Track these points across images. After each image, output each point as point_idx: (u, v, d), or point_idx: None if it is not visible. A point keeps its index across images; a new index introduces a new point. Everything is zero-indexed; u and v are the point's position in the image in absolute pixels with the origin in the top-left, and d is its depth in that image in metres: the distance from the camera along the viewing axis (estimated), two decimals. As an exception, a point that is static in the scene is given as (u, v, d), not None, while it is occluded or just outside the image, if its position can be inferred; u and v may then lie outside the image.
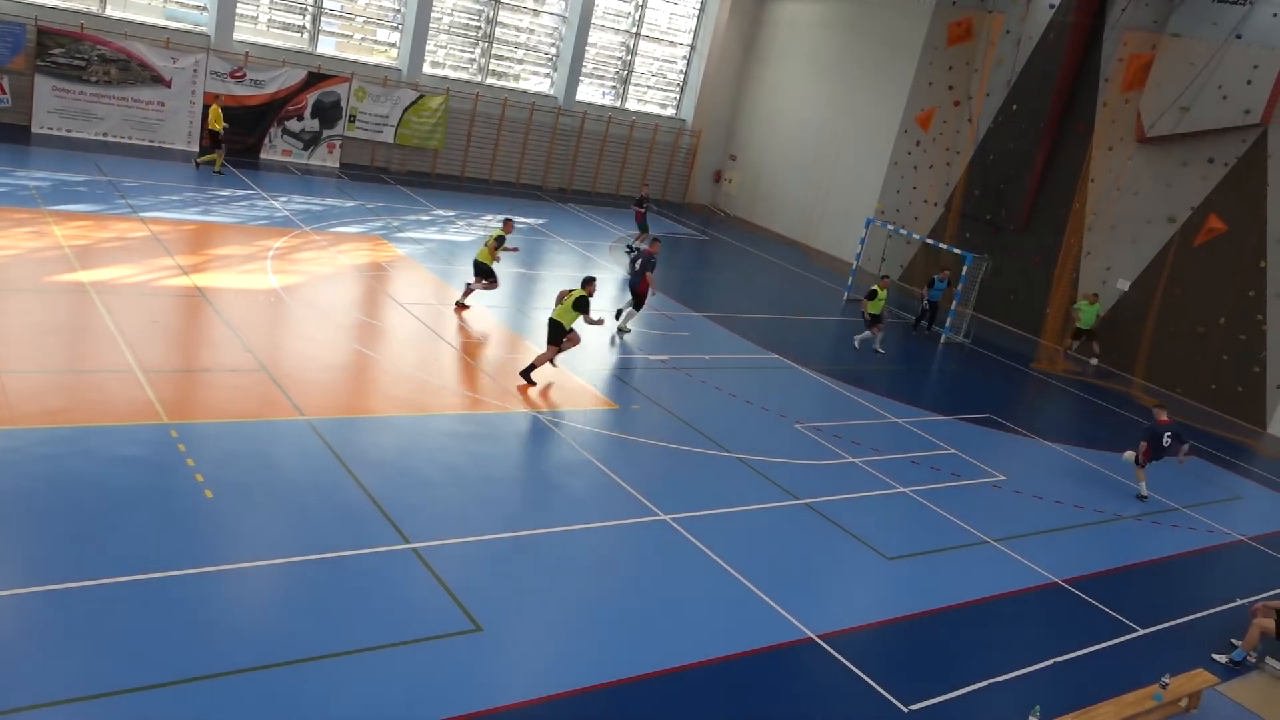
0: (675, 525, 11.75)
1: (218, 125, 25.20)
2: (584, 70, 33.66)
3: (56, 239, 17.25)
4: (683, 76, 36.30)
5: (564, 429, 13.88)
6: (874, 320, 21.49)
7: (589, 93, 34.46)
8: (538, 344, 17.39)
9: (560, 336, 15.31)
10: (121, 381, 12.41)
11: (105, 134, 25.75)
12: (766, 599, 10.55)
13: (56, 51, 24.70)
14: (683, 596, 10.33)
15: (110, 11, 25.97)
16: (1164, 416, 15.85)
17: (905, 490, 14.23)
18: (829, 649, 9.92)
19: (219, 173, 25.13)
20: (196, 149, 26.89)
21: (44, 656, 7.59)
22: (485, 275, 18.20)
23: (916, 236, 27.05)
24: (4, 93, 24.42)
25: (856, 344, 21.46)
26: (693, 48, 35.89)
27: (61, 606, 8.16)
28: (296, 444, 11.84)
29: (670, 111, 36.53)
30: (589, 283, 15.74)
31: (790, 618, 10.30)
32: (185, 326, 15.04)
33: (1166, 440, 15.57)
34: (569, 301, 15.33)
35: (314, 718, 7.53)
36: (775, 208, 35.04)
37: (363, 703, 7.79)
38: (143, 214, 20.00)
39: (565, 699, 8.42)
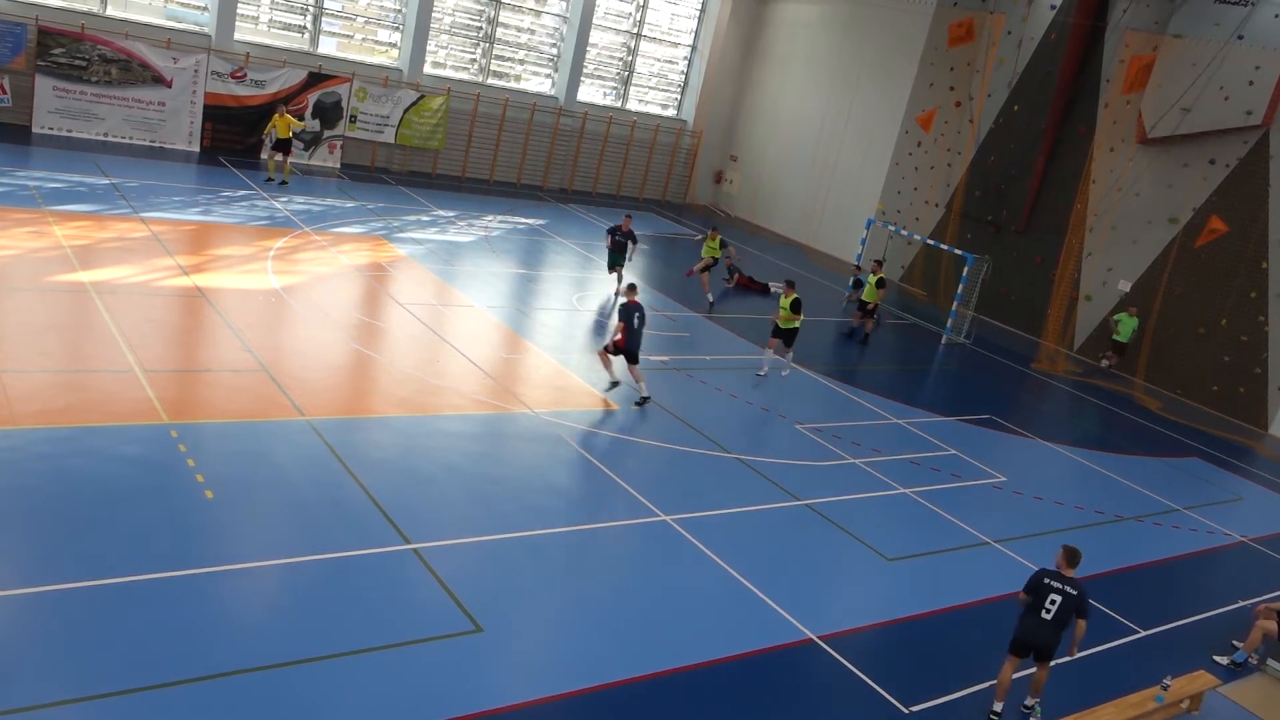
0: (675, 526, 11.74)
1: (287, 134, 25.33)
2: (585, 71, 33.66)
3: (57, 239, 17.24)
4: (683, 77, 36.29)
5: (564, 429, 13.86)
6: (864, 309, 21.71)
7: (590, 93, 34.46)
8: (538, 344, 17.39)
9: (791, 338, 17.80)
10: (122, 381, 12.40)
11: (106, 134, 25.74)
12: (767, 600, 10.54)
13: (57, 51, 24.69)
14: (683, 597, 10.32)
15: (111, 11, 25.95)
16: None
17: (906, 491, 14.22)
18: (829, 650, 9.91)
19: (285, 183, 25.22)
20: (197, 149, 26.89)
21: (44, 657, 7.58)
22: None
23: (917, 237, 27.05)
24: (5, 92, 24.41)
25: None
26: (694, 48, 35.89)
27: (62, 607, 8.15)
28: (297, 444, 11.83)
29: (671, 112, 36.52)
30: (791, 286, 18.20)
31: (790, 619, 10.29)
32: (186, 326, 15.03)
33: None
34: (787, 304, 17.64)
35: (310, 717, 7.51)
36: (776, 208, 35.03)
37: (363, 703, 7.78)
38: (143, 214, 19.99)
39: (566, 700, 8.41)
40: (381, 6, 30.35)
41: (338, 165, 29.35)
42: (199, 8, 27.61)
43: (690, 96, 36.16)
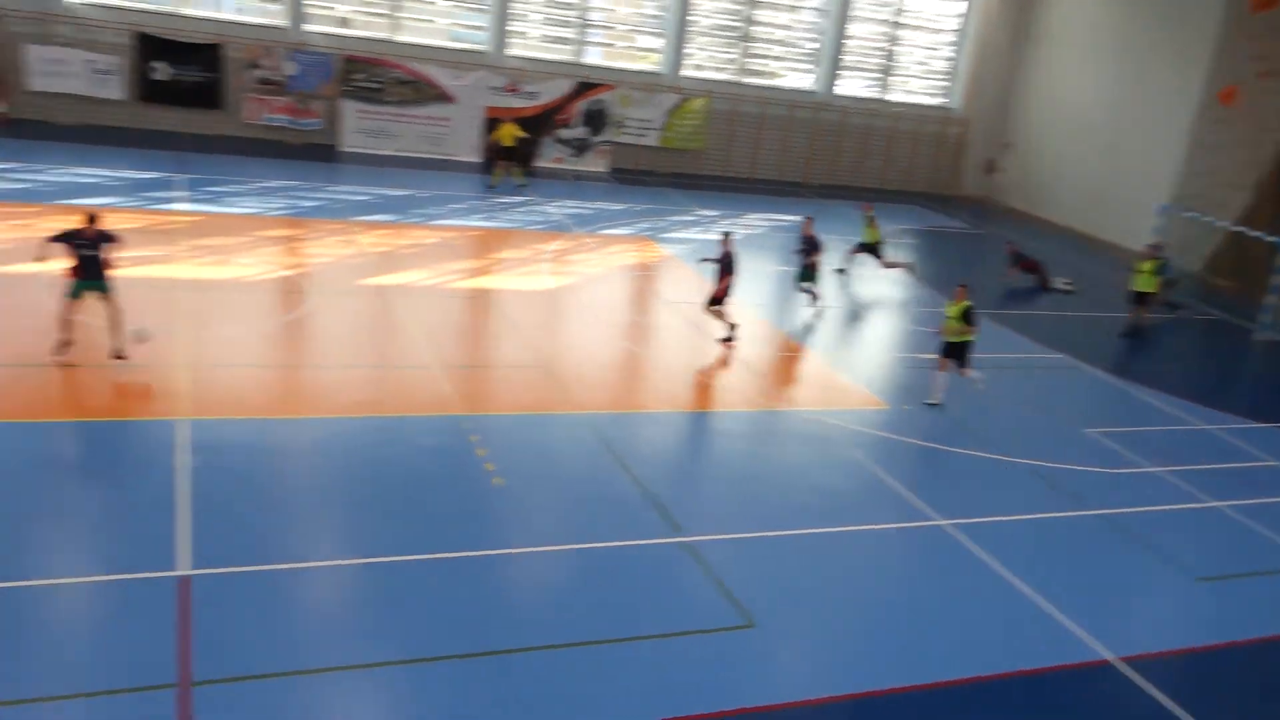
0: (952, 531, 11.27)
1: (511, 142, 25.85)
2: (844, 63, 33.05)
3: (362, 246, 18.95)
4: (949, 64, 34.85)
5: (832, 428, 13.66)
6: (1140, 299, 19.81)
7: (850, 86, 33.80)
8: (805, 342, 17.24)
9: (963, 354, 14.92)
10: (420, 376, 13.43)
11: (401, 149, 28.01)
12: (1055, 614, 9.90)
13: (359, 77, 27.14)
14: (959, 605, 9.89)
15: (403, 37, 28.22)
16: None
17: (1217, 505, 12.92)
18: (1130, 673, 9.17)
19: (523, 185, 25.97)
20: (479, 160, 28.70)
21: (358, 622, 8.33)
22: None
23: (1221, 223, 24.53)
24: (316, 116, 27.12)
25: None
26: (960, 33, 34.38)
27: (374, 578, 8.94)
28: (574, 436, 12.36)
29: (936, 101, 35.17)
30: (964, 290, 14.86)
31: (1083, 636, 9.61)
32: (473, 325, 16.08)
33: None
34: (955, 313, 14.74)
35: (585, 699, 7.80)
36: (1055, 196, 32.91)
37: (633, 688, 8.00)
38: (434, 222, 21.59)
39: (836, 703, 8.28)
40: (642, 13, 31.17)
41: (606, 170, 30.43)
42: (477, 28, 29.48)
43: (956, 83, 34.69)
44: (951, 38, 34.57)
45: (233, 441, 10.92)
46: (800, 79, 33.30)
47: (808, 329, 18.09)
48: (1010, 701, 8.61)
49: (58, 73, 24.58)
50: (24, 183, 20.09)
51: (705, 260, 16.88)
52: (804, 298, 18.76)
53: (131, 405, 11.52)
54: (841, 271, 21.79)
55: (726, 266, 15.77)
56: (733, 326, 15.97)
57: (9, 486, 9.50)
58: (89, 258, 11.87)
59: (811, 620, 9.35)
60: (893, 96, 34.45)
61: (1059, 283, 23.65)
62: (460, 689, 7.68)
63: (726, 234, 16.22)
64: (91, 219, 12.07)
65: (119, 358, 12.10)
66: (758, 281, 20.58)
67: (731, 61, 32.29)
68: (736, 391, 14.63)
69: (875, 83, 34.35)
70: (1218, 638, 10.04)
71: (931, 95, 35.23)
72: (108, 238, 12.16)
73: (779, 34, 32.75)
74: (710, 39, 31.92)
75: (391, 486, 10.51)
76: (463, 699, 7.59)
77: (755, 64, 32.58)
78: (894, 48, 33.93)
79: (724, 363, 15.62)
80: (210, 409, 11.55)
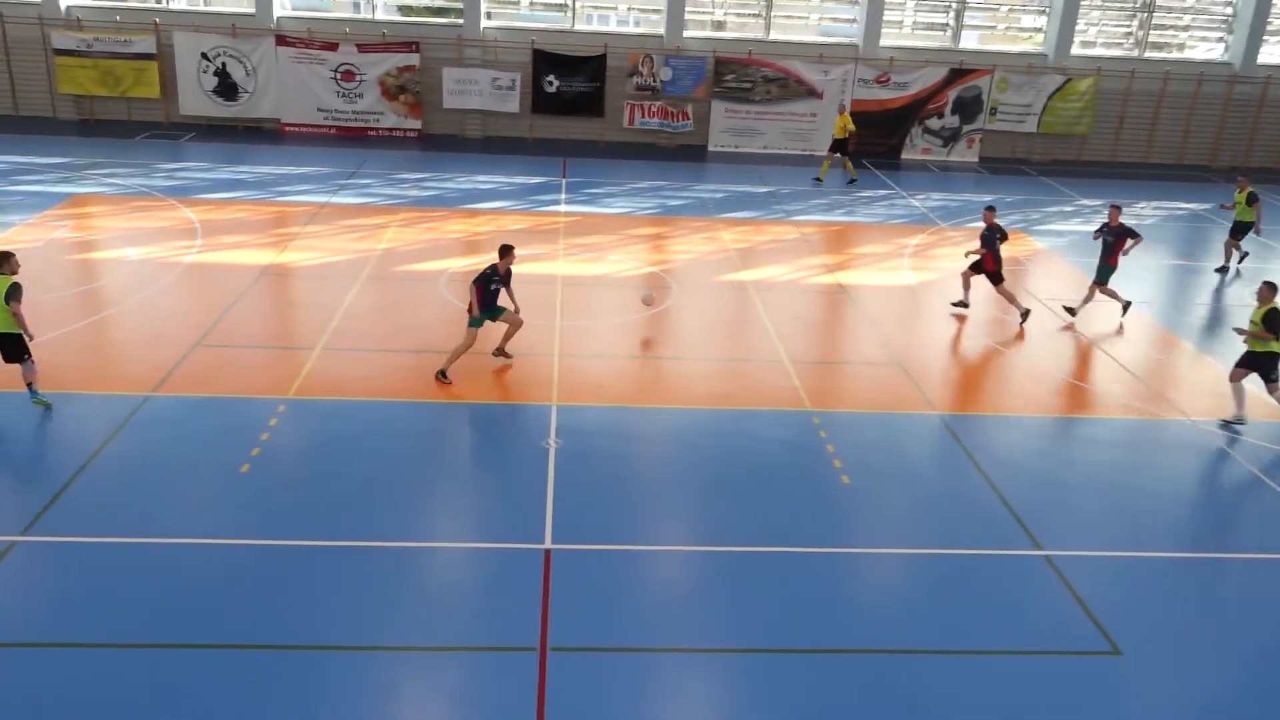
0: (1379, 568, 9.62)
1: (843, 134, 25.28)
2: (1269, 28, 29.00)
3: (724, 243, 19.59)
4: None
5: (1232, 443, 12.14)
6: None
7: (1274, 54, 29.62)
8: (1197, 345, 15.48)
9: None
10: (773, 370, 13.68)
11: (765, 146, 28.55)
12: None
13: (729, 78, 28.01)
14: (1387, 657, 8.42)
15: (773, 35, 28.71)
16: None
17: None
18: None
19: (853, 180, 25.81)
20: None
21: (699, 607, 8.67)
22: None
23: None
24: (688, 118, 28.36)
25: None
26: None
27: (718, 566, 9.26)
28: (927, 437, 11.99)
29: (1389, 64, 29.92)
30: (1271, 289, 12.33)
31: None
32: (827, 320, 16.09)
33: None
34: (1258, 317, 12.27)
35: (923, 710, 7.56)
36: None
37: (984, 705, 7.63)
38: (794, 218, 21.82)
39: (1219, 749, 7.39)
40: (1027, -9, 29.34)
41: (976, 159, 29.06)
42: (849, 20, 29.28)
43: None
44: None
45: (594, 427, 11.77)
46: (1211, 50, 29.72)
47: (1201, 331, 16.18)
48: None
49: (466, 91, 27.71)
50: (434, 190, 22.88)
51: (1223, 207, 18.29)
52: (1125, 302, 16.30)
53: (513, 391, 12.79)
54: (1223, 270, 19.35)
55: (988, 240, 15.73)
56: (1019, 305, 15.93)
57: (408, 459, 10.93)
58: (494, 293, 12.71)
59: (1184, 655, 8.40)
60: (1329, 62, 29.79)
61: None
62: (793, 684, 7.77)
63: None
64: (503, 254, 12.74)
65: (503, 355, 13.37)
66: (1148, 276, 18.73)
67: (1128, 35, 29.51)
68: (1114, 396, 13.44)
69: (1307, 47, 29.88)
70: None
71: (1382, 57, 30.03)
72: (508, 276, 12.82)
73: (1188, 2, 29.43)
74: (1104, 13, 29.36)
75: (740, 478, 10.81)
76: (795, 694, 7.67)
77: (1156, 37, 29.52)
78: (1333, 5, 29.28)
79: (1085, 357, 14.39)
80: (576, 396, 12.53)
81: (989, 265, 15.85)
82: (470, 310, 12.69)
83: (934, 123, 28.83)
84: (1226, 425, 12.61)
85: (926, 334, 15.73)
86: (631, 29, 29.22)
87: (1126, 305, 16.16)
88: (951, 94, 28.50)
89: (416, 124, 27.96)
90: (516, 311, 13.01)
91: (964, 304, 16.27)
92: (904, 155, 29.02)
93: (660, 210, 22.05)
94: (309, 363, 13.02)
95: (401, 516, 9.69)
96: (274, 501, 9.84)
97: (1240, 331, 12.51)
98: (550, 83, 27.89)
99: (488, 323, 12.82)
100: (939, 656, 8.17)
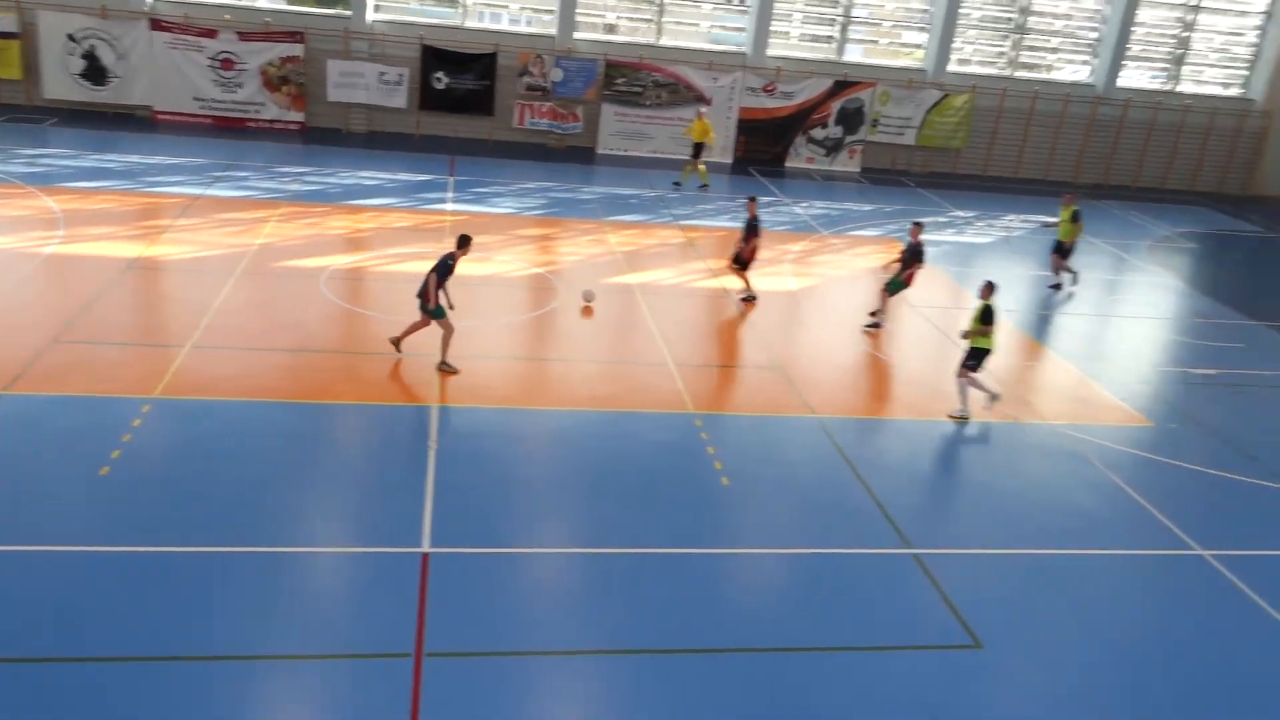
0: (1214, 562, 10.28)
1: (701, 138, 25.15)
2: (1129, 53, 30.69)
3: (611, 245, 19.67)
4: (1253, 50, 31.56)
5: (1085, 445, 12.79)
6: None
7: (1133, 78, 31.35)
8: (1060, 352, 16.26)
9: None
10: (657, 373, 13.80)
11: (655, 151, 28.75)
12: (1336, 666, 8.82)
13: (620, 81, 28.12)
14: (1214, 646, 9.01)
15: (664, 41, 28.96)
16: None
17: None
18: None
19: (705, 185, 25.40)
20: (730, 160, 29.01)
21: (580, 609, 8.70)
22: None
23: None
24: (578, 120, 28.37)
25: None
26: (1269, 15, 31.04)
27: (599, 567, 9.30)
28: (806, 440, 12.27)
29: (1234, 91, 31.96)
30: (990, 289, 13.20)
31: (1369, 693, 8.50)
32: (711, 325, 16.30)
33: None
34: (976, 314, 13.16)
35: (797, 705, 7.75)
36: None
37: (851, 700, 7.86)
38: (681, 222, 22.05)
39: (1070, 737, 7.78)
40: (908, 9, 30.31)
41: (858, 169, 29.88)
42: (738, 29, 29.74)
43: (1261, 72, 31.37)
44: (1257, 21, 31.28)
45: (476, 429, 11.68)
46: (1077, 72, 31.25)
47: (1063, 338, 17.00)
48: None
49: (352, 84, 27.12)
50: (316, 185, 22.33)
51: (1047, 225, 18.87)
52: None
53: (394, 392, 12.57)
54: (1056, 287, 19.56)
55: (752, 229, 16.51)
56: (751, 294, 16.77)
57: (282, 461, 10.64)
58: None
59: (1045, 648, 8.82)
60: (1183, 88, 31.64)
61: None
62: (671, 683, 7.86)
63: (751, 198, 17.29)
64: (464, 245, 12.93)
65: (397, 348, 13.20)
66: (1013, 287, 19.55)
67: (1002, 55, 30.79)
68: (981, 401, 13.98)
69: (1163, 73, 31.68)
70: None
71: (1229, 86, 32.06)
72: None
73: (1057, 24, 30.87)
74: (980, 32, 30.56)
75: (622, 480, 10.87)
76: (675, 694, 7.76)
77: (1028, 57, 30.89)
78: (1189, 34, 31.13)
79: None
80: (459, 397, 12.41)
81: (909, 281, 16.11)
82: (427, 299, 12.66)
83: (818, 132, 29.53)
84: (954, 417, 13.22)
85: (807, 339, 16.10)
86: (523, 28, 29.08)
87: (875, 321, 16.23)
88: (835, 105, 29.24)
89: (299, 116, 27.23)
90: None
91: (878, 323, 16.21)
92: (788, 163, 29.64)
93: (548, 211, 21.99)
94: (177, 360, 12.54)
95: (273, 521, 9.43)
96: (136, 506, 9.45)
97: (966, 335, 13.17)
98: (439, 79, 27.53)
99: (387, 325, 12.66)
100: (814, 653, 8.38)
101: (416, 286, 12.91)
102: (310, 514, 9.75)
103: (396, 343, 13.23)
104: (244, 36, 26.27)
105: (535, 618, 8.48)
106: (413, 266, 17.00)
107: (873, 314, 16.33)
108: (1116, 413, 14.02)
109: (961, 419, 13.15)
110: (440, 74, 27.48)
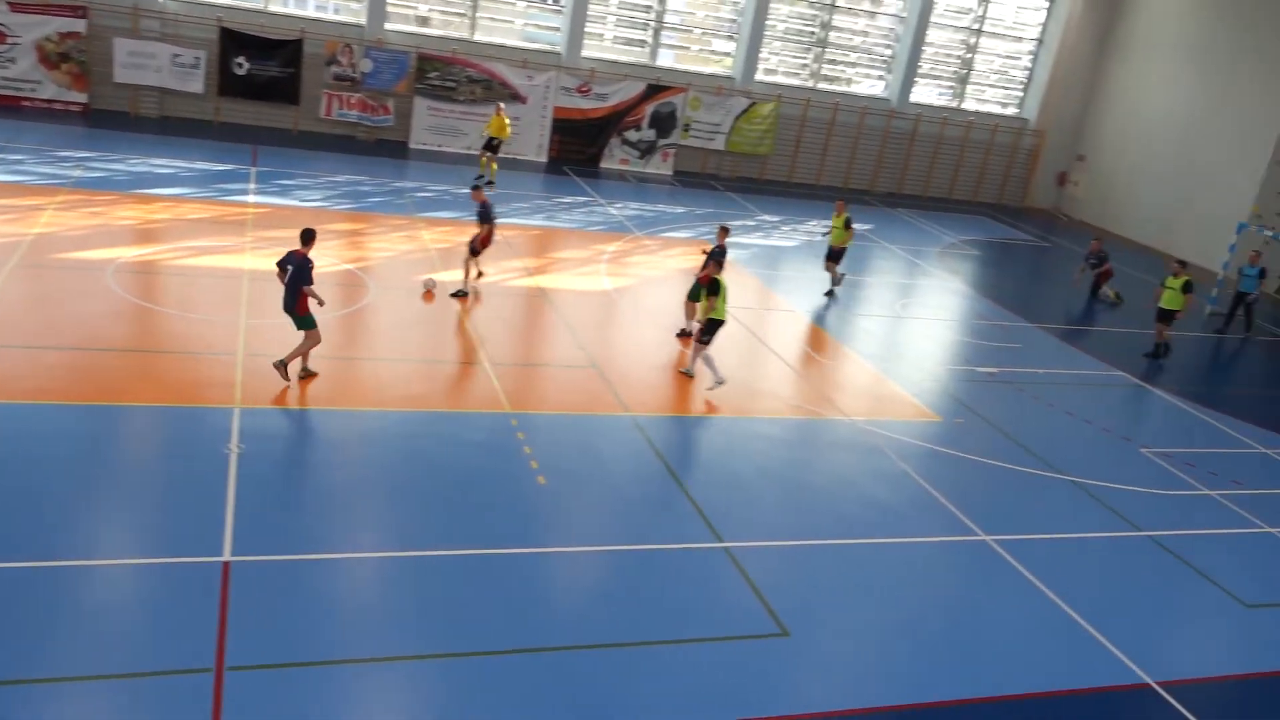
0: (996, 547, 11.12)
1: (496, 133, 25.04)
2: (920, 71, 32.69)
3: (424, 242, 19.30)
4: (1027, 73, 34.26)
5: (882, 439, 13.56)
6: (1163, 317, 18.85)
7: (924, 94, 33.42)
8: (859, 351, 17.13)
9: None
10: (471, 372, 13.65)
11: (469, 147, 28.41)
12: (1097, 635, 9.72)
13: (432, 75, 27.61)
14: (1001, 623, 9.76)
15: (478, 37, 28.64)
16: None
17: (1272, 530, 12.55)
18: (1170, 699, 8.96)
19: (491, 182, 25.15)
20: (545, 160, 29.01)
21: (394, 615, 8.51)
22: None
23: (1302, 244, 23.74)
24: (389, 113, 27.66)
25: None
26: (1040, 42, 33.78)
27: (413, 571, 9.12)
28: (621, 438, 12.44)
29: (1011, 111, 34.61)
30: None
31: (1125, 659, 9.42)
32: (528, 324, 16.27)
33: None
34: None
35: (614, 702, 7.87)
36: (1128, 212, 32.16)
37: (667, 691, 8.04)
38: (496, 220, 21.81)
39: (868, 715, 8.23)
40: (718, 17, 31.19)
41: (670, 172, 30.51)
42: (552, 28, 29.77)
43: (1034, 94, 34.09)
44: (1031, 46, 33.97)
45: (281, 431, 11.22)
46: (873, 86, 33.01)
47: (861, 338, 17.94)
48: (1043, 724, 8.48)
49: (142, 65, 25.44)
50: (101, 171, 20.84)
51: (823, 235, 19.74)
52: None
53: (190, 391, 11.89)
54: (831, 295, 20.02)
55: (485, 216, 16.65)
56: (468, 283, 16.72)
57: (65, 468, 9.89)
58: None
59: (846, 632, 9.30)
60: (968, 105, 33.98)
61: (1109, 292, 23.13)
62: (491, 686, 7.80)
63: (476, 186, 17.26)
64: (310, 240, 12.13)
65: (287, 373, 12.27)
66: (817, 289, 20.47)
67: (805, 67, 32.14)
68: (785, 399, 14.58)
69: (950, 91, 33.92)
70: (1266, 666, 9.75)
71: (1007, 105, 34.67)
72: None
73: (855, 40, 32.51)
74: (785, 44, 31.79)
75: (436, 481, 10.70)
76: (493, 695, 7.71)
77: (829, 70, 32.38)
78: (972, 55, 33.45)
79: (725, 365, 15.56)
80: (262, 398, 11.88)
81: (704, 281, 15.78)
82: (302, 311, 11.98)
83: (632, 135, 29.96)
84: (712, 389, 14.17)
85: (622, 338, 16.32)
86: (330, 16, 28.09)
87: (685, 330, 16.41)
88: (649, 108, 29.75)
89: (81, 97, 25.31)
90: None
91: (688, 331, 16.15)
92: (603, 164, 29.94)
93: (358, 206, 21.34)
94: (-59, 360, 11.44)
95: (54, 532, 8.75)
96: (-108, 519, 8.56)
97: (693, 333, 14.39)
98: (240, 64, 26.21)
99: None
100: (629, 649, 8.51)
101: (218, 283, 12.25)
102: (98, 524, 9.10)
103: (283, 367, 12.15)
104: (16, 8, 24.19)
105: (346, 625, 8.23)
106: (213, 261, 16.15)
107: (683, 332, 16.26)
108: (909, 408, 14.92)
109: (718, 384, 14.05)
110: (241, 59, 26.18)
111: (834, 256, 20.11)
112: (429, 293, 16.11)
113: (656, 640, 8.66)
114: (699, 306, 14.62)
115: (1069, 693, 8.86)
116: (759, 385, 14.96)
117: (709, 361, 14.10)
